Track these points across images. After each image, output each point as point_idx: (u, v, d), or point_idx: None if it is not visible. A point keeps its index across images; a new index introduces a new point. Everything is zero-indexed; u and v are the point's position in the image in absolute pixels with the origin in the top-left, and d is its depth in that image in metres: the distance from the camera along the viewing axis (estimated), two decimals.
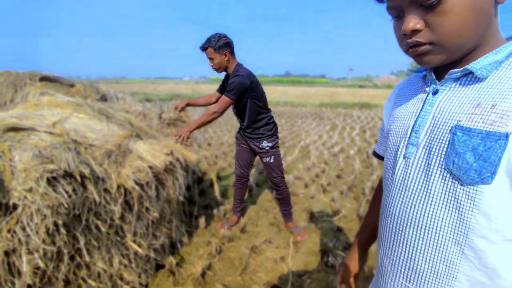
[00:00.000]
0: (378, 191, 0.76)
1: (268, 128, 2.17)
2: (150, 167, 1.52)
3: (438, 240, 0.48)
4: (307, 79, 54.44)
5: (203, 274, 1.79)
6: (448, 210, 0.46)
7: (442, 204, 0.47)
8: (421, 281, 0.51)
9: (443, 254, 0.48)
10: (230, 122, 7.79)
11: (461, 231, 0.46)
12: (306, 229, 2.42)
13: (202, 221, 2.36)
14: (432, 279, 0.50)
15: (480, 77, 0.47)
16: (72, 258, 1.24)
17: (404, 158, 0.54)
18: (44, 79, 2.28)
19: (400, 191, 0.54)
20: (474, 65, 0.46)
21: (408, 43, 0.47)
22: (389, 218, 0.57)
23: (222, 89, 2.27)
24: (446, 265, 0.48)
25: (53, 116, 1.40)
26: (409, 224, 0.52)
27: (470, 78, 0.48)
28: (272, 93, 19.41)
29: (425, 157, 0.50)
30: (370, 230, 0.78)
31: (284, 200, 2.34)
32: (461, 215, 0.45)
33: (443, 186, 0.47)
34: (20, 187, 1.04)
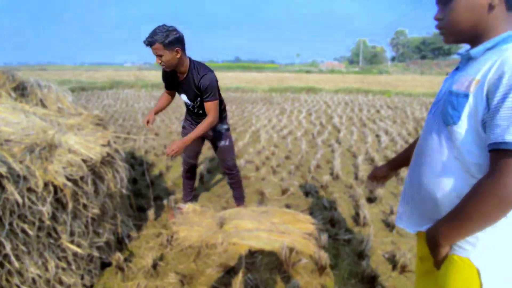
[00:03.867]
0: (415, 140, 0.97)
1: (223, 111, 2.18)
2: (85, 161, 1.40)
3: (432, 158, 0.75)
4: (257, 65, 54.60)
5: (154, 266, 1.76)
6: (437, 139, 0.74)
7: (435, 136, 0.75)
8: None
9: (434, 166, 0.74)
10: (178, 110, 7.49)
11: (443, 153, 0.72)
12: None
13: (151, 213, 2.28)
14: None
15: (474, 58, 0.71)
16: (1, 265, 1.11)
17: (430, 112, 0.82)
18: None
19: (422, 132, 0.84)
20: (472, 51, 0.71)
21: (436, 27, 0.77)
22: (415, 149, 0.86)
23: (170, 86, 2.10)
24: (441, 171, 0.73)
25: None
26: (419, 149, 0.82)
27: (471, 59, 0.72)
28: (223, 79, 18.96)
29: (436, 110, 0.78)
30: (402, 157, 1.08)
31: (236, 184, 2.38)
32: (443, 144, 0.72)
33: (438, 127, 0.74)
34: None
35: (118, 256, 1.71)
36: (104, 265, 1.73)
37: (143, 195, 2.74)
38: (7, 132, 1.26)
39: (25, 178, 1.14)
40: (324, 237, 1.99)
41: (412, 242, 2.09)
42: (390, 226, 2.25)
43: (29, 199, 1.14)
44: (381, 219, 2.39)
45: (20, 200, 1.08)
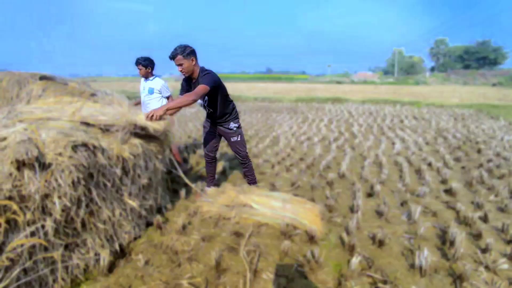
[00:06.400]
0: None
1: (233, 112, 2.78)
2: (149, 136, 2.02)
3: None
4: (287, 76, 55.28)
5: (184, 227, 2.32)
6: None
7: None
8: None
9: None
10: (197, 118, 8.26)
11: None
12: None
13: (182, 193, 2.88)
14: None
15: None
16: (87, 206, 1.74)
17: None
18: (43, 78, 2.69)
19: None
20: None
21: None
22: None
23: (187, 90, 2.62)
24: None
25: (71, 107, 1.88)
26: None
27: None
28: (252, 90, 19.92)
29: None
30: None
31: (249, 171, 2.94)
32: None
33: None
34: (52, 152, 1.53)
35: (158, 218, 2.31)
36: (148, 224, 2.34)
37: (177, 181, 3.37)
38: (103, 119, 1.92)
39: (106, 150, 1.77)
40: (320, 217, 2.42)
41: (397, 227, 2.43)
42: (379, 214, 2.59)
43: (109, 163, 1.77)
44: (374, 210, 2.74)
45: (105, 162, 1.71)
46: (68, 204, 1.58)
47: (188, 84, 2.67)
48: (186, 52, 2.37)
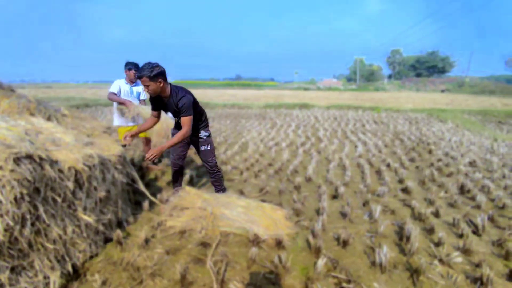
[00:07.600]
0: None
1: (203, 121, 2.73)
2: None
3: None
4: (256, 83, 56.02)
5: (146, 241, 2.21)
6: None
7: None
8: None
9: None
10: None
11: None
12: None
13: (145, 204, 2.74)
14: None
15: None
16: (33, 224, 1.58)
17: None
18: None
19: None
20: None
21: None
22: None
23: (158, 107, 2.60)
24: None
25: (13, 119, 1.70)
26: None
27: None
28: (221, 96, 19.81)
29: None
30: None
31: (217, 181, 2.87)
32: None
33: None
34: None
35: (118, 233, 2.16)
36: (107, 240, 2.18)
37: (140, 193, 3.20)
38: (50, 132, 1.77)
39: (56, 162, 1.63)
40: (287, 222, 2.44)
41: (360, 227, 2.53)
42: (344, 215, 2.69)
43: (59, 176, 1.63)
44: (339, 211, 2.84)
45: (53, 175, 1.57)
46: (11, 223, 1.42)
47: (159, 101, 2.55)
48: (153, 73, 2.23)
